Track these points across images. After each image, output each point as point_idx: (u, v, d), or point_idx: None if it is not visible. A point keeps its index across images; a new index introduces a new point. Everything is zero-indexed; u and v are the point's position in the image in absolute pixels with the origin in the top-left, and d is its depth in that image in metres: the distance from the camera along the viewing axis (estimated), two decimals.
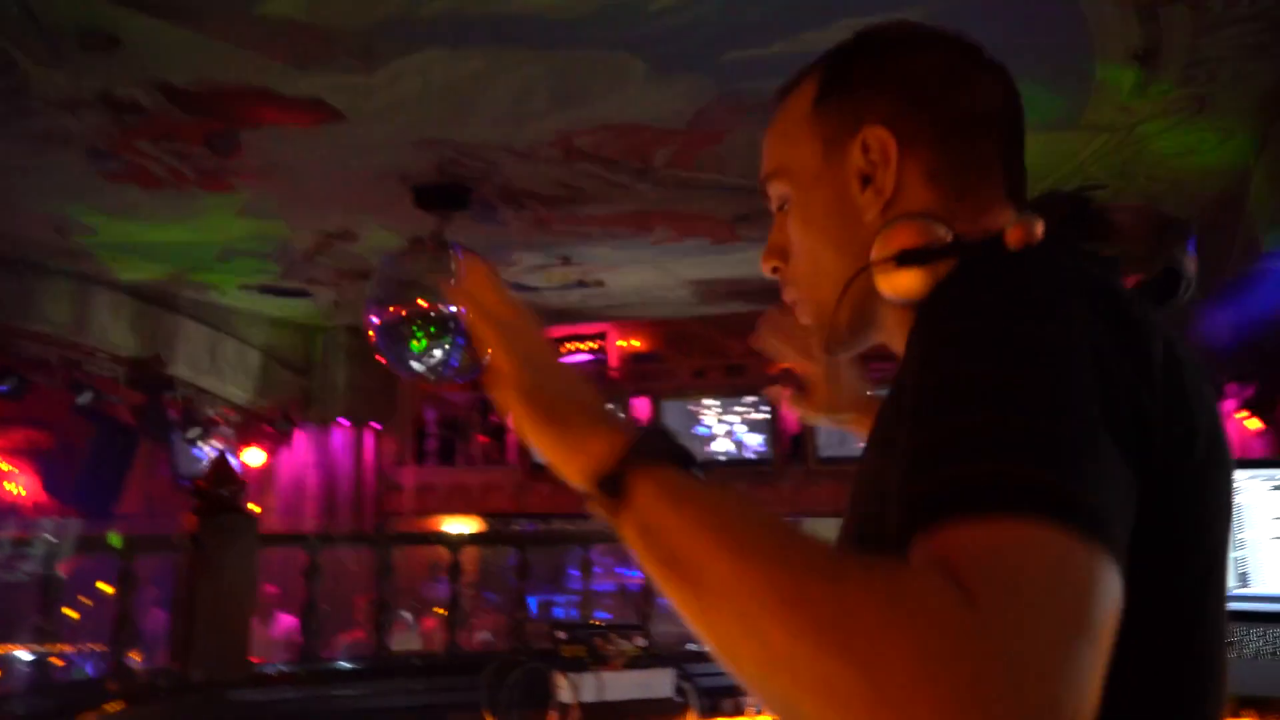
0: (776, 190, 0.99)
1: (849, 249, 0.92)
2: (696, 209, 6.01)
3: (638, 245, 6.71)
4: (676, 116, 4.63)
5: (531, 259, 6.92)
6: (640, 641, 2.28)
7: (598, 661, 2.15)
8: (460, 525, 8.54)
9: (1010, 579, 0.58)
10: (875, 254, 0.87)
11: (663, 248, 6.81)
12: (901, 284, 0.86)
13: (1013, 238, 0.80)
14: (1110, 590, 0.60)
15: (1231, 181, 5.43)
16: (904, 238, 0.86)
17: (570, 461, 0.77)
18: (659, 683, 2.18)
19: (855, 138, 0.92)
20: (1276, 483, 2.18)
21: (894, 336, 0.95)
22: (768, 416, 7.68)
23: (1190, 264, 0.87)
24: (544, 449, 0.79)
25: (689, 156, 5.15)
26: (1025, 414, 0.64)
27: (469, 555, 8.49)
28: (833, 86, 0.94)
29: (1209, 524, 0.78)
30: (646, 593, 8.00)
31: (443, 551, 4.56)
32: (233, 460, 7.74)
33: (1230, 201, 5.50)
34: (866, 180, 0.91)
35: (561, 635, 2.19)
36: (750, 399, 7.78)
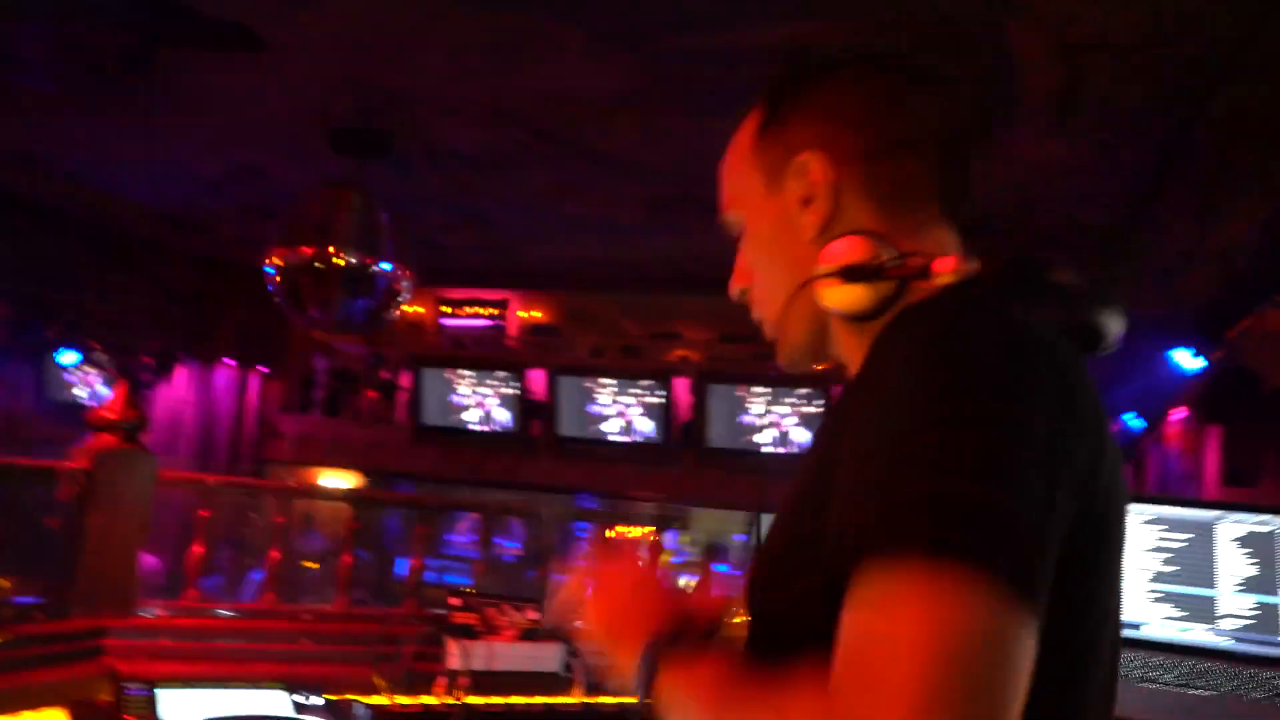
0: (733, 218, 1.07)
1: (796, 267, 0.97)
2: (615, 188, 6.02)
3: (552, 216, 6.67)
4: (609, 94, 4.62)
5: (444, 217, 6.82)
6: (532, 615, 2.29)
7: (489, 631, 2.16)
8: (339, 480, 8.39)
9: (865, 668, 0.64)
10: (818, 270, 0.93)
11: (577, 222, 6.79)
12: (843, 298, 0.92)
13: (940, 268, 0.87)
14: (1024, 642, 0.65)
15: (1126, 228, 5.70)
16: (843, 253, 0.92)
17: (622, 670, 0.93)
18: (548, 657, 2.20)
19: (791, 164, 0.98)
20: (1145, 518, 2.32)
21: (845, 352, 1.00)
22: (662, 401, 7.75)
23: (1116, 325, 0.93)
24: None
25: (615, 136, 5.15)
26: (967, 479, 0.69)
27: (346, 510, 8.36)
28: (769, 118, 1.01)
29: (1110, 566, 0.85)
30: (519, 565, 8.02)
31: (336, 508, 4.46)
32: (107, 391, 7.44)
33: (1117, 249, 5.79)
34: (806, 202, 0.97)
35: (455, 601, 2.19)
36: (646, 382, 7.83)
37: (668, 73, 4.31)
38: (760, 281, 1.05)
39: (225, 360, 8.04)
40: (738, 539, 7.47)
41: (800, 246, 0.97)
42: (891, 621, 0.64)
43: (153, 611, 2.65)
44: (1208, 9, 3.45)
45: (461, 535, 8.65)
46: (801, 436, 7.55)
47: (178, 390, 7.88)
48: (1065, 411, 0.76)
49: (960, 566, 0.65)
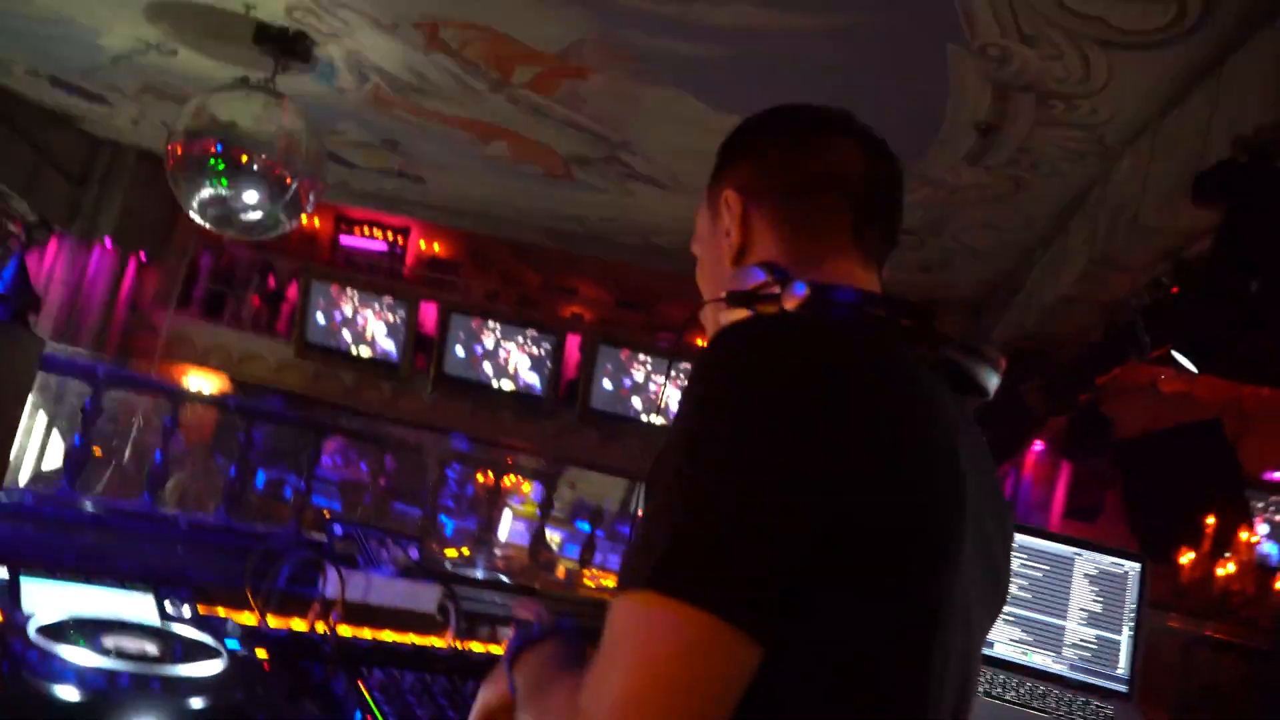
0: (695, 250, 1.25)
1: (718, 285, 1.16)
2: (539, 137, 5.96)
3: (470, 154, 6.56)
4: (550, 41, 4.56)
5: (358, 134, 6.63)
6: (414, 553, 2.29)
7: (369, 563, 2.15)
8: (206, 384, 8.11)
9: (593, 674, 0.82)
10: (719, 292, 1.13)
11: (494, 165, 6.69)
12: (726, 317, 1.09)
13: (787, 300, 1.02)
14: (710, 651, 0.80)
15: (1019, 263, 5.96)
16: (729, 282, 1.11)
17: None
18: (425, 596, 2.20)
19: (720, 200, 1.16)
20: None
21: None
22: (551, 355, 7.74)
23: (990, 377, 1.08)
24: None
25: (550, 84, 5.09)
26: (681, 518, 0.84)
27: (212, 416, 8.12)
28: (718, 166, 1.21)
29: (923, 585, 0.91)
30: (385, 494, 7.92)
31: (199, 412, 4.32)
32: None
33: (1008, 282, 6.06)
34: (727, 234, 1.15)
35: (337, 529, 2.17)
36: (538, 333, 7.80)
37: (613, 32, 4.29)
38: (702, 289, 1.22)
39: (105, 242, 7.65)
40: (607, 506, 7.56)
41: (723, 269, 1.15)
42: (611, 641, 0.83)
43: (20, 495, 2.54)
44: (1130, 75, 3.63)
45: (328, 458, 8.50)
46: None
47: (45, 265, 7.47)
48: (821, 430, 0.86)
49: (661, 597, 0.81)
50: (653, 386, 7.68)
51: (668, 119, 5.29)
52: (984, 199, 5.22)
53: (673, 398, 7.64)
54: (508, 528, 8.22)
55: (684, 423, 0.89)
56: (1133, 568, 2.39)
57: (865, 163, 1.14)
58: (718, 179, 1.18)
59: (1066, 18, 3.36)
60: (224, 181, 5.01)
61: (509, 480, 8.87)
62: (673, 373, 7.59)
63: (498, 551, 7.36)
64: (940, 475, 0.92)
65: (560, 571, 7.39)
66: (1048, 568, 2.37)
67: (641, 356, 7.68)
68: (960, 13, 3.49)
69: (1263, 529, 5.42)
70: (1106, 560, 2.38)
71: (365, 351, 7.81)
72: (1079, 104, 4.06)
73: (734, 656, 0.81)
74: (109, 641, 1.64)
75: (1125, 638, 2.35)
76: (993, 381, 1.08)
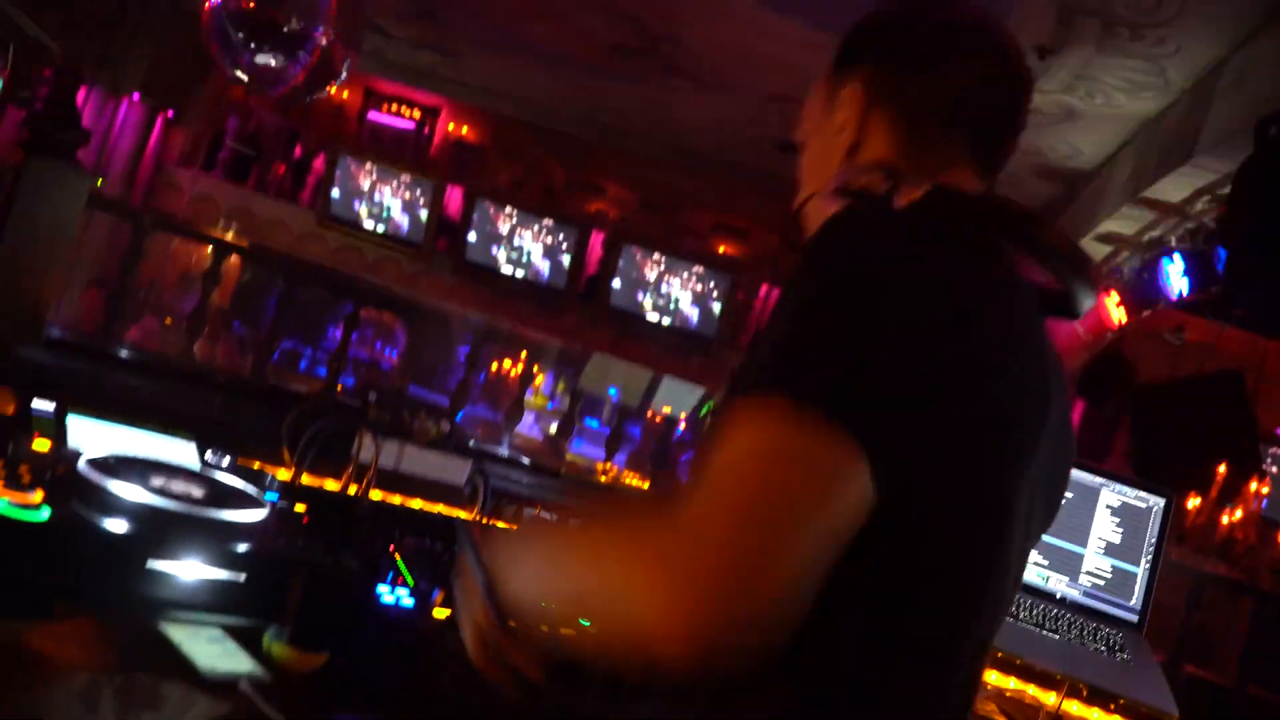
0: (799, 135, 1.23)
1: (824, 178, 1.13)
2: (581, 23, 5.82)
3: (508, 33, 6.42)
4: None
5: (397, 5, 6.48)
6: (445, 426, 2.30)
7: (402, 433, 2.16)
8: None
9: (719, 480, 0.79)
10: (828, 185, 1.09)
11: (532, 47, 6.56)
12: (828, 212, 1.04)
13: (899, 198, 0.99)
14: (838, 469, 0.78)
15: (1061, 195, 5.87)
16: (838, 177, 1.08)
17: None
18: (455, 470, 2.22)
19: (839, 96, 1.14)
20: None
21: None
22: (573, 249, 7.68)
23: (1087, 298, 1.05)
24: None
25: None
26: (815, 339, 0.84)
27: (229, 276, 8.11)
28: (839, 58, 1.18)
29: (1006, 478, 0.93)
30: (401, 371, 7.95)
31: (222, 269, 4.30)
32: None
33: (1046, 214, 5.97)
34: (841, 129, 1.13)
35: (372, 397, 2.17)
36: (562, 226, 7.73)
37: None
38: (804, 180, 1.21)
39: (133, 96, 7.53)
40: (610, 394, 7.54)
41: (831, 162, 1.14)
42: (721, 439, 0.80)
43: (66, 334, 2.53)
44: None
45: (340, 333, 8.53)
46: (693, 313, 7.66)
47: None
48: (938, 314, 0.87)
49: (784, 401, 0.79)
50: (665, 288, 7.65)
51: (719, 14, 5.16)
52: (1037, 124, 5.11)
53: (686, 299, 7.62)
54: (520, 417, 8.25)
55: (802, 295, 0.87)
56: (1157, 503, 2.40)
57: (994, 82, 1.12)
58: (840, 71, 1.16)
59: None
60: (262, 40, 4.92)
61: (516, 369, 8.87)
62: (688, 275, 7.55)
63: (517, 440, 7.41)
64: (1031, 389, 0.94)
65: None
66: (1073, 495, 2.37)
67: (656, 256, 7.63)
68: None
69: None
70: (1132, 493, 2.39)
71: (386, 229, 7.75)
72: (1146, 33, 3.94)
73: (854, 484, 0.79)
74: (156, 480, 1.66)
75: (1142, 570, 2.37)
76: (1086, 305, 1.07)
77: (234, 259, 6.70)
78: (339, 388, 3.73)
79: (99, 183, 6.73)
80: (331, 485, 2.03)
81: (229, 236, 6.37)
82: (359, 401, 2.20)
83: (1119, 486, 2.42)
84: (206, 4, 5.04)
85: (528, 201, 8.10)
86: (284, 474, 1.98)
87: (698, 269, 7.65)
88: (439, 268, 7.83)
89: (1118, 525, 2.41)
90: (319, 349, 9.45)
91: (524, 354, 9.29)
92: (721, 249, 10.44)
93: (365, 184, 7.75)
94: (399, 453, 2.09)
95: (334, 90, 5.51)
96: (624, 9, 5.39)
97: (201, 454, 1.86)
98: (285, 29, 4.99)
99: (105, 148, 7.36)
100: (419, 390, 7.21)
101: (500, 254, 7.74)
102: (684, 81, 6.43)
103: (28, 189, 2.15)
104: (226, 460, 1.87)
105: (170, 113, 7.82)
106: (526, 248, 7.74)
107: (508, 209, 7.73)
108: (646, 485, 4.16)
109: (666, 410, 7.25)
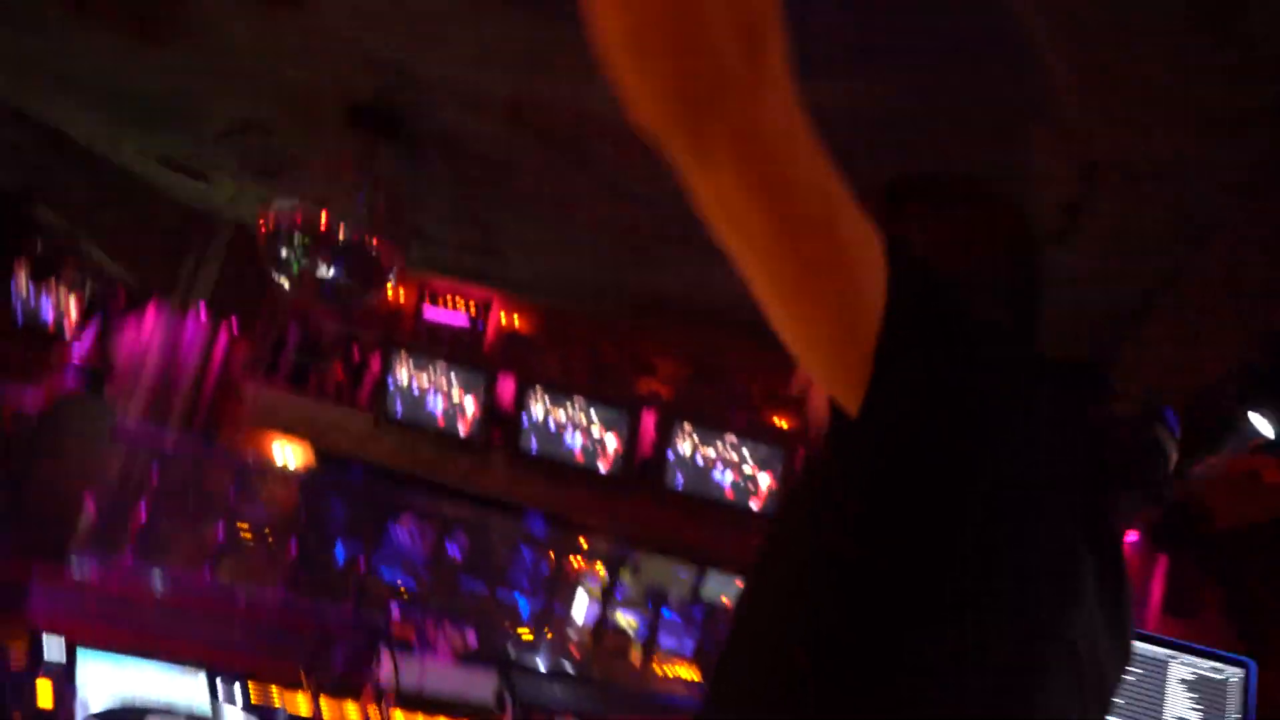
0: None
1: None
2: (617, 214, 6.00)
3: (552, 229, 6.64)
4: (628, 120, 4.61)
5: (441, 210, 6.77)
6: (471, 638, 2.25)
7: (425, 648, 2.11)
8: (291, 451, 8.25)
9: None
10: None
11: (576, 240, 6.77)
12: None
13: None
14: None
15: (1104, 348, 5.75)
16: None
17: None
18: (481, 685, 2.15)
19: None
20: None
21: None
22: (622, 431, 7.68)
23: (1166, 440, 1.16)
24: None
25: (630, 160, 5.14)
26: None
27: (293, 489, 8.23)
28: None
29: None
30: (455, 570, 7.90)
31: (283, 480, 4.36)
32: (76, 318, 7.29)
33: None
34: None
35: (395, 611, 2.14)
36: (611, 410, 7.76)
37: None
38: None
39: (199, 308, 7.91)
40: (681, 575, 7.40)
41: None
42: None
43: (84, 567, 2.57)
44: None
45: (403, 530, 8.54)
46: (759, 488, 7.55)
47: (144, 333, 7.74)
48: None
49: None
50: (734, 466, 7.58)
51: None
52: (1070, 279, 5.07)
53: (752, 478, 7.52)
54: (583, 608, 8.09)
55: None
56: (1234, 673, 2.21)
57: (1013, 260, 1.28)
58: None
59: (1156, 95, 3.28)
60: (315, 253, 5.18)
61: (577, 561, 8.77)
62: (746, 453, 7.49)
63: (571, 633, 7.26)
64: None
65: (635, 655, 7.22)
66: (1140, 671, 2.20)
67: (721, 436, 7.60)
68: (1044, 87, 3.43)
69: None
70: (1205, 664, 2.20)
71: (441, 425, 7.87)
72: (1168, 183, 3.93)
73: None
74: None
75: None
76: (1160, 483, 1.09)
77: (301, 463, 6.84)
78: (392, 590, 3.72)
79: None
80: (352, 710, 1.97)
81: (286, 444, 6.51)
82: (383, 616, 2.17)
83: (1190, 658, 2.24)
84: (262, 225, 5.36)
85: (579, 387, 8.19)
86: (301, 702, 1.93)
87: (750, 445, 7.59)
88: (495, 460, 7.89)
89: (1194, 702, 2.22)
90: (374, 552, 9.44)
91: (582, 542, 9.18)
92: (778, 420, 10.37)
93: (420, 382, 7.93)
94: (420, 669, 2.03)
95: (388, 292, 5.74)
96: (658, 197, 5.55)
97: (212, 686, 1.83)
98: (335, 242, 5.27)
99: (173, 360, 7.68)
100: (475, 584, 7.12)
101: (553, 441, 7.78)
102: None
103: (54, 426, 2.23)
104: (238, 690, 1.83)
105: (234, 324, 8.17)
106: (579, 434, 7.78)
107: (560, 396, 7.82)
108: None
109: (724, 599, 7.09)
